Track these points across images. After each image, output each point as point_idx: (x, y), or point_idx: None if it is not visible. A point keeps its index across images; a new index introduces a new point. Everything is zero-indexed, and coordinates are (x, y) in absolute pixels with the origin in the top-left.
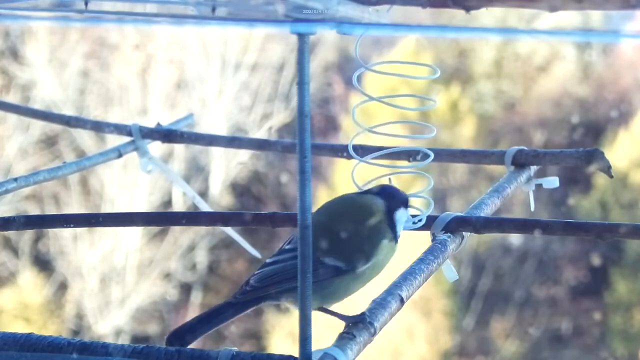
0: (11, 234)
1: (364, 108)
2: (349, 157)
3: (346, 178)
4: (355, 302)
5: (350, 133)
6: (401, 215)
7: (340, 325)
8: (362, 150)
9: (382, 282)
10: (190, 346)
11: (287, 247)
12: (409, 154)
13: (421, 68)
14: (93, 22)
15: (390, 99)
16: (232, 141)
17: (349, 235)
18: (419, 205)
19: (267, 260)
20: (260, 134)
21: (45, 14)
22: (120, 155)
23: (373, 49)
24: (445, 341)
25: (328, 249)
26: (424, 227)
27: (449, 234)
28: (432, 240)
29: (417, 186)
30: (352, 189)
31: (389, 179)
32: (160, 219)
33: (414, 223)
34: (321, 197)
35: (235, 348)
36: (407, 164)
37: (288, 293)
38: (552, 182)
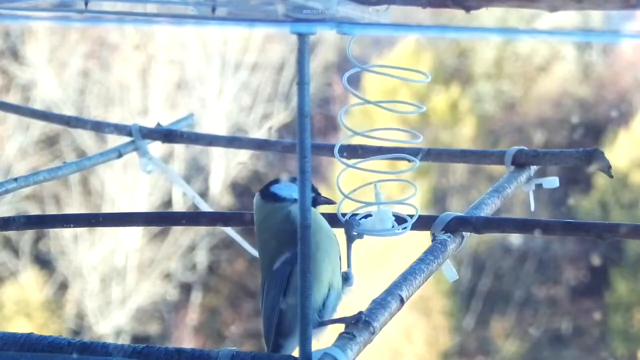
0: (11, 234)
1: (364, 109)
2: (349, 157)
3: (346, 178)
4: (355, 303)
5: (350, 133)
6: (280, 186)
7: (340, 325)
8: (363, 151)
9: (382, 282)
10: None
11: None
12: (409, 154)
13: (420, 68)
14: (93, 22)
15: (381, 102)
16: (232, 141)
17: (271, 231)
18: (407, 212)
19: None
20: (260, 134)
21: (45, 14)
22: (120, 156)
23: (373, 49)
24: (445, 341)
25: (273, 256)
26: (423, 227)
27: (449, 234)
28: (432, 240)
29: (417, 184)
30: (351, 187)
31: (375, 185)
32: (161, 219)
33: (397, 230)
34: None
35: (236, 348)
36: (406, 165)
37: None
38: (552, 182)
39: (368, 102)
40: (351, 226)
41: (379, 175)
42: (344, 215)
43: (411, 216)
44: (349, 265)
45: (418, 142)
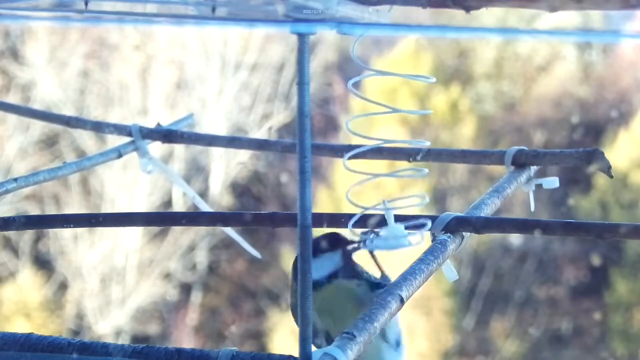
0: (11, 234)
1: (365, 109)
2: (352, 158)
3: (346, 178)
4: None
5: (350, 134)
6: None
7: None
8: (362, 151)
9: None
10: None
11: None
12: (409, 155)
13: (420, 69)
14: (93, 22)
15: (382, 105)
16: (232, 141)
17: None
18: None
19: None
20: (260, 134)
21: (45, 14)
22: (120, 156)
23: (373, 49)
24: (446, 340)
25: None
26: (423, 227)
27: (449, 234)
28: (432, 240)
29: (416, 186)
30: (351, 190)
31: (384, 202)
32: (160, 219)
33: (407, 243)
34: (321, 197)
35: (236, 348)
36: (406, 164)
37: None
38: (552, 182)
39: (374, 104)
40: (364, 242)
41: (384, 180)
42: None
43: (423, 225)
44: (382, 272)
45: (427, 145)
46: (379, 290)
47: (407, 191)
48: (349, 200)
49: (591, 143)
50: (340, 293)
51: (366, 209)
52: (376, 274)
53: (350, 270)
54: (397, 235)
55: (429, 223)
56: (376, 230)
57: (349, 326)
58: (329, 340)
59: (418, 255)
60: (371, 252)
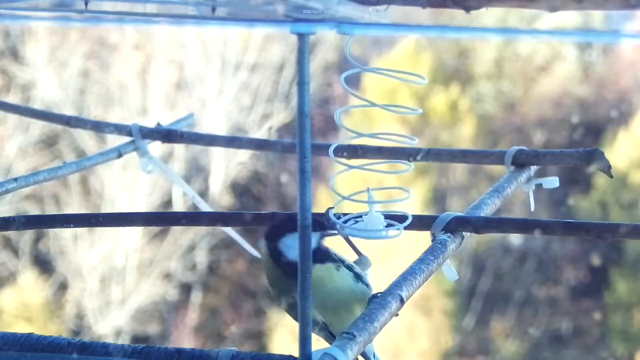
0: (11, 234)
1: (365, 110)
2: (349, 157)
3: (346, 178)
4: None
5: (350, 133)
6: (286, 242)
7: None
8: (362, 151)
9: (382, 282)
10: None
11: None
12: (409, 154)
13: (420, 69)
14: (93, 22)
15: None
16: (232, 141)
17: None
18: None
19: None
20: (260, 134)
21: (45, 14)
22: (120, 155)
23: (373, 49)
24: (446, 341)
25: None
26: (423, 227)
27: (449, 234)
28: (432, 240)
29: (417, 184)
30: (351, 189)
31: (368, 189)
32: (160, 219)
33: (384, 233)
34: (321, 197)
35: (236, 348)
36: (405, 167)
37: None
38: (552, 182)
39: (366, 101)
40: (340, 228)
41: (377, 176)
42: (336, 216)
43: (405, 218)
44: (359, 254)
45: (415, 143)
46: (357, 274)
47: (406, 193)
48: (333, 190)
49: (591, 143)
50: (325, 276)
51: (346, 198)
52: (351, 258)
53: (325, 253)
54: (376, 226)
55: (410, 217)
56: (357, 217)
57: (339, 311)
58: (326, 330)
59: (418, 255)
60: (346, 238)
